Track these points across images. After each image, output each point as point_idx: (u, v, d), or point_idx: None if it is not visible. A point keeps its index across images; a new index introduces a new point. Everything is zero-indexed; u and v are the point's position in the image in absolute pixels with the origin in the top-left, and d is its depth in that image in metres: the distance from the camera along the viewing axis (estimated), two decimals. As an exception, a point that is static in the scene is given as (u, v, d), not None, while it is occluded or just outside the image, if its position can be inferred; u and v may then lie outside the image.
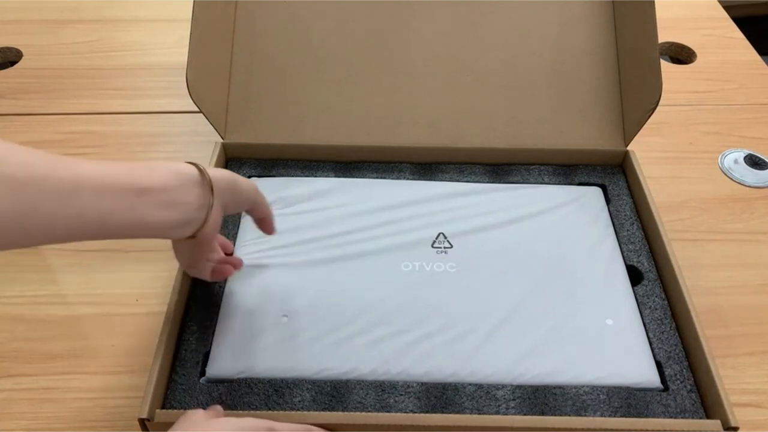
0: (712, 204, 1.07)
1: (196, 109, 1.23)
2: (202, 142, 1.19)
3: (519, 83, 1.02)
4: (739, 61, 1.36)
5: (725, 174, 1.13)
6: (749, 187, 1.11)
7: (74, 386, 0.85)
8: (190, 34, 0.95)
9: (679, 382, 0.77)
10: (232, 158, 1.03)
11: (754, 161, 1.14)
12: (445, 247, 0.89)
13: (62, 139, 1.22)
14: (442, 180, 0.99)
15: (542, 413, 0.74)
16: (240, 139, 1.01)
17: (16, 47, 1.42)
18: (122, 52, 1.43)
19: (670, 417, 0.74)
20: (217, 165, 0.98)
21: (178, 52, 1.41)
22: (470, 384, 0.77)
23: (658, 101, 0.92)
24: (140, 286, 0.96)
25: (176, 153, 1.18)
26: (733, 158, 1.16)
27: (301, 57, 1.04)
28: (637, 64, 0.97)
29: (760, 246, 0.98)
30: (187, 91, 1.27)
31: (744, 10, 2.60)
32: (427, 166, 1.01)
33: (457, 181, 0.99)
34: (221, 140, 1.01)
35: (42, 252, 1.01)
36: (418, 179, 0.99)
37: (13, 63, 1.40)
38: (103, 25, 1.49)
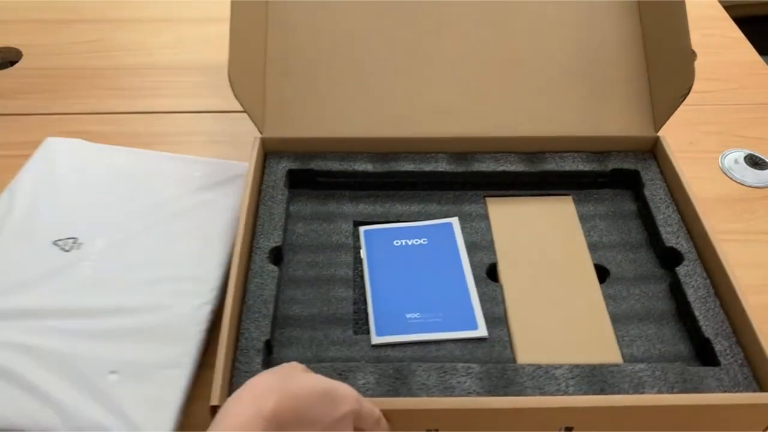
0: (712, 204, 1.08)
1: (196, 109, 1.23)
2: (203, 142, 1.19)
3: (550, 73, 1.04)
4: (739, 61, 1.38)
5: (725, 174, 1.15)
6: (749, 187, 1.12)
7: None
8: (230, 30, 0.95)
9: (729, 357, 0.79)
10: (271, 152, 1.02)
11: (754, 161, 1.16)
12: None
13: None
14: (478, 169, 1.01)
15: (602, 390, 0.75)
16: (277, 134, 1.01)
17: (16, 47, 1.41)
18: (122, 52, 1.42)
19: (725, 391, 0.75)
20: (255, 160, 0.97)
21: (179, 52, 1.42)
22: (529, 364, 0.77)
23: (691, 87, 0.94)
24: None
25: (176, 152, 1.16)
26: (734, 158, 1.17)
27: (335, 51, 1.04)
28: (666, 50, 0.99)
29: (760, 246, 0.99)
30: (185, 91, 1.27)
31: (744, 10, 2.64)
32: (462, 155, 1.02)
33: (494, 169, 1.00)
34: (260, 135, 1.01)
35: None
36: (455, 169, 1.00)
37: (13, 63, 1.39)
38: (103, 25, 1.49)
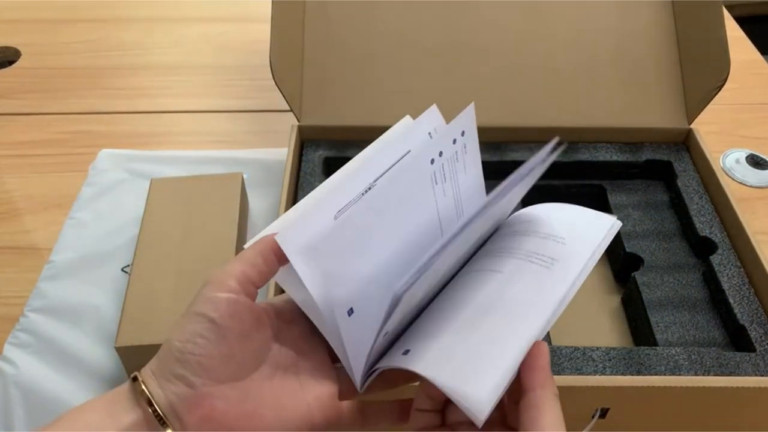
0: (713, 204, 1.09)
1: (196, 109, 1.23)
2: (201, 141, 1.19)
3: (584, 64, 1.05)
4: (740, 61, 1.38)
5: (727, 174, 1.16)
6: (751, 187, 1.14)
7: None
8: (271, 21, 0.95)
9: (765, 343, 0.80)
10: (307, 140, 1.04)
11: (755, 161, 1.18)
12: None
13: (61, 138, 1.20)
14: (512, 159, 1.02)
15: (638, 373, 0.76)
16: (314, 122, 1.02)
17: (14, 46, 1.40)
18: (121, 52, 1.41)
19: (760, 375, 0.76)
20: (293, 147, 0.98)
21: (177, 51, 1.41)
22: (566, 346, 0.78)
23: (726, 78, 0.96)
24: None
25: (177, 149, 1.18)
26: (735, 158, 1.19)
27: (372, 40, 1.05)
28: (701, 43, 1.01)
29: (761, 247, 1.00)
30: (184, 91, 1.27)
31: (745, 9, 2.66)
32: (496, 145, 1.03)
33: (527, 159, 1.00)
34: (297, 123, 1.02)
35: (41, 253, 1.02)
36: (489, 158, 1.01)
37: (11, 62, 1.38)
38: (101, 24, 1.48)
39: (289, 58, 1.00)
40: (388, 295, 0.49)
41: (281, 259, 0.54)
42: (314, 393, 0.56)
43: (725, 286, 0.86)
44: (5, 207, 1.07)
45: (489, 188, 0.97)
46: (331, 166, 1.01)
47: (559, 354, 0.77)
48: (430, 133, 0.66)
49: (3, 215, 1.06)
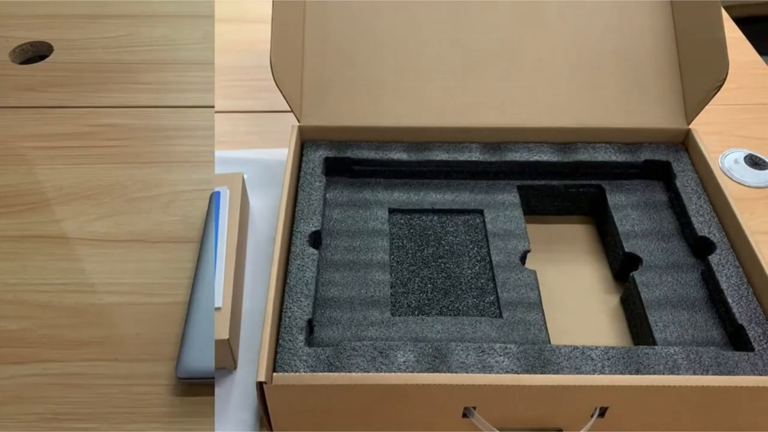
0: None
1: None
2: (211, 139, 1.19)
3: (583, 65, 1.05)
4: (739, 61, 1.36)
5: (725, 174, 1.16)
6: (749, 187, 1.14)
7: (101, 372, 0.85)
8: (272, 21, 0.96)
9: (763, 342, 0.80)
10: (308, 140, 1.04)
11: (754, 161, 1.17)
12: None
13: (91, 131, 1.21)
14: (512, 159, 1.02)
15: (637, 372, 0.76)
16: (314, 122, 1.02)
17: (47, 41, 1.42)
18: (150, 47, 1.42)
19: (759, 375, 0.76)
20: (294, 147, 0.99)
21: (205, 48, 1.42)
22: (565, 345, 0.78)
23: (724, 79, 0.96)
24: (164, 276, 0.97)
25: (198, 147, 1.18)
26: (733, 158, 1.19)
27: (373, 40, 1.05)
28: (700, 43, 1.01)
29: (759, 247, 0.99)
30: (211, 86, 1.27)
31: (744, 10, 2.67)
32: (496, 145, 1.03)
33: (527, 159, 1.02)
34: (297, 123, 1.02)
35: (70, 242, 1.02)
36: (488, 159, 1.02)
37: (43, 57, 1.40)
38: (131, 20, 1.50)
39: (289, 59, 1.01)
40: None
41: None
42: None
43: (724, 286, 0.86)
44: (37, 197, 1.08)
45: (491, 188, 0.98)
46: (331, 166, 1.02)
47: (557, 353, 0.77)
48: None
49: (35, 205, 1.07)
